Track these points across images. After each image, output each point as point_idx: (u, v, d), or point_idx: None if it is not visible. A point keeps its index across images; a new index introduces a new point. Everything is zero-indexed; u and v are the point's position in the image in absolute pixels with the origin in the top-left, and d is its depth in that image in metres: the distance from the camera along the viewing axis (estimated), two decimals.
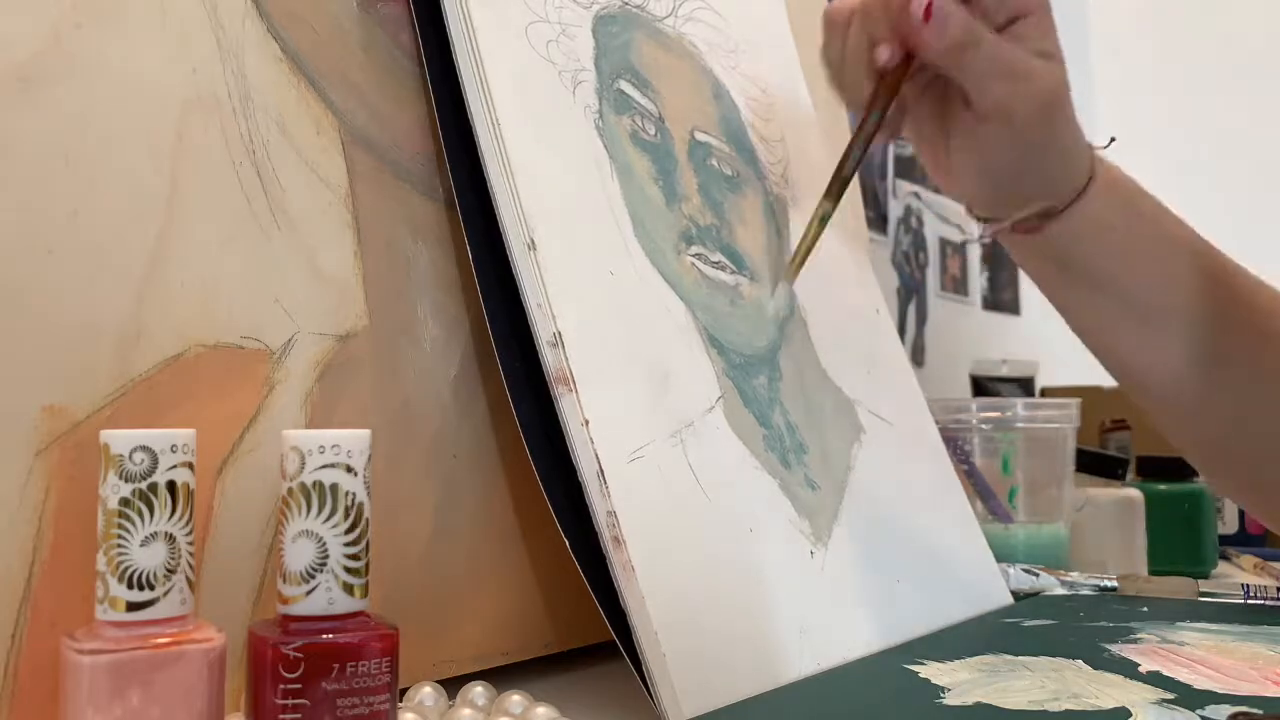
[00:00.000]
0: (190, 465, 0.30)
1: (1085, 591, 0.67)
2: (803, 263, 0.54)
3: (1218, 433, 0.57)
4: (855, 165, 0.53)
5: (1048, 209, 0.53)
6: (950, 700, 0.40)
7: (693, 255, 0.51)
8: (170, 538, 0.29)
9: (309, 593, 0.30)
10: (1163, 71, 1.93)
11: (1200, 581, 0.67)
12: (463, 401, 0.45)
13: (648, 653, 0.39)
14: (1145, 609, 0.60)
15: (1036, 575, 0.67)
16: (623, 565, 0.39)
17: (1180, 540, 0.81)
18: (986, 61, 0.49)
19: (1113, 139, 0.56)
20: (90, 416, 0.33)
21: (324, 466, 0.30)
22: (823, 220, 0.52)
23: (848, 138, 0.68)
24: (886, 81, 0.51)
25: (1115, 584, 0.67)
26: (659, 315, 0.47)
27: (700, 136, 0.55)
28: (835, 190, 0.52)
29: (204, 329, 0.37)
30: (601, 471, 0.40)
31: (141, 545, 0.29)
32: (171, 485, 0.29)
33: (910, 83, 0.52)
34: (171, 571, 0.29)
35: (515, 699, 0.38)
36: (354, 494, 0.31)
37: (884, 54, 0.50)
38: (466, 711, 0.38)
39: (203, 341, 0.36)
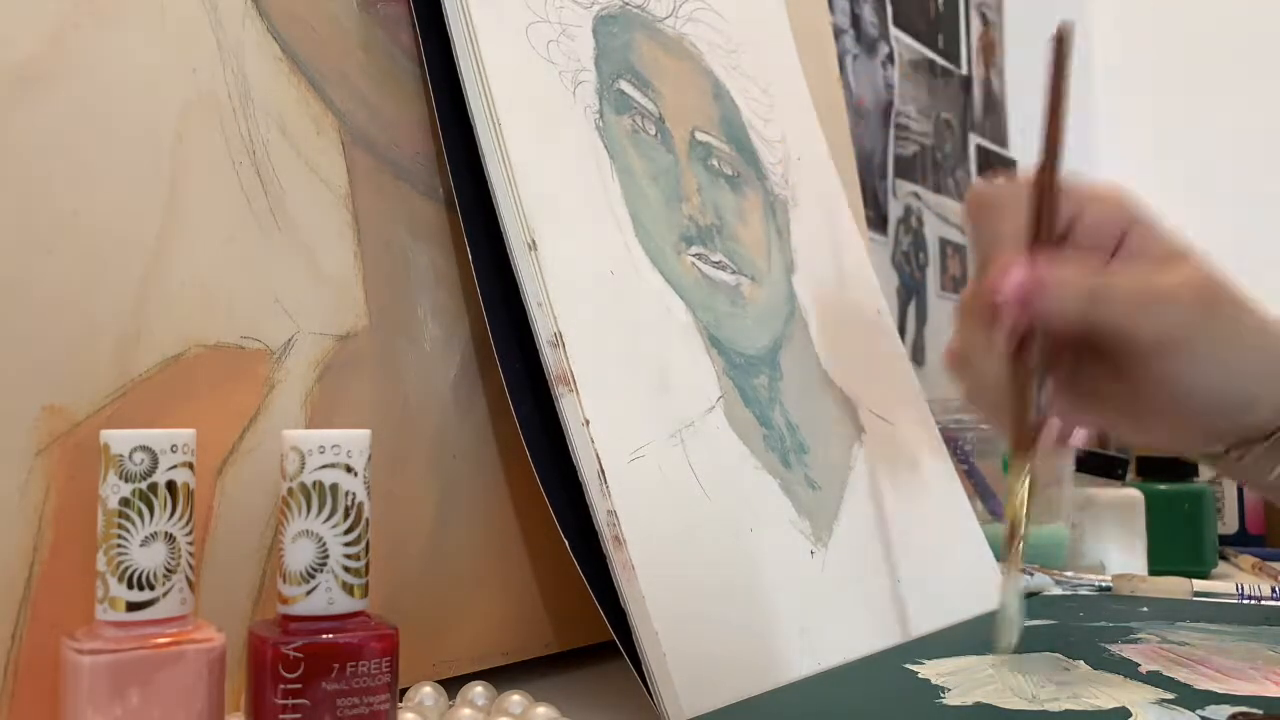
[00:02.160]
0: (190, 465, 0.30)
1: (1082, 591, 0.67)
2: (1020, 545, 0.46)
3: None
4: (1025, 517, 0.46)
5: (1248, 439, 0.45)
6: (950, 700, 0.40)
7: (693, 255, 0.51)
8: (170, 538, 0.29)
9: (309, 593, 0.30)
10: (1163, 71, 1.93)
11: (1196, 581, 0.67)
12: (463, 401, 0.45)
13: (648, 652, 0.39)
14: (1145, 609, 0.60)
15: (1031, 575, 0.67)
16: (623, 565, 0.39)
17: (1180, 540, 0.81)
18: (1122, 302, 0.42)
19: None
20: (90, 416, 0.33)
21: (324, 466, 0.30)
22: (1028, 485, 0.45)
23: (847, 138, 0.68)
24: (1022, 359, 0.44)
25: (1110, 584, 0.67)
26: (659, 315, 0.47)
27: (701, 136, 0.55)
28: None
29: (204, 329, 0.37)
30: (602, 471, 0.40)
31: (141, 545, 0.29)
32: (171, 485, 0.29)
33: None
34: (171, 571, 0.29)
35: (515, 699, 0.38)
36: (354, 494, 0.31)
37: (1005, 336, 0.43)
38: (466, 711, 0.38)
39: (203, 341, 0.36)
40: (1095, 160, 1.81)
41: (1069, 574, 0.68)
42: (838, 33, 1.16)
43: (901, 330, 1.28)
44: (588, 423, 0.41)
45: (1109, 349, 0.43)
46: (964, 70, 1.51)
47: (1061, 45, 0.45)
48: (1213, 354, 0.43)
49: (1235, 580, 0.72)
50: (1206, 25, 1.87)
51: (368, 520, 0.31)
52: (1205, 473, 0.87)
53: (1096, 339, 0.43)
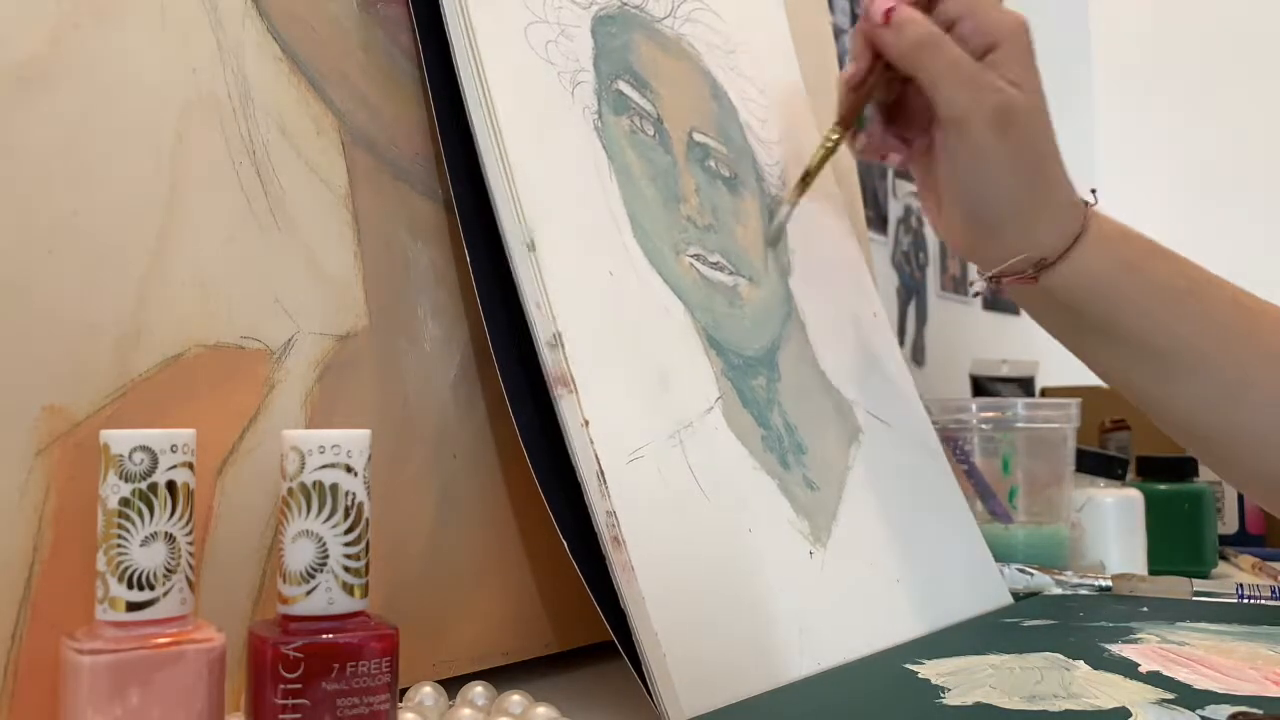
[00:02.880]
0: (190, 465, 0.30)
1: (1082, 591, 0.67)
2: (806, 187, 0.57)
3: (1264, 461, 0.57)
4: (817, 167, 0.58)
5: (1038, 260, 0.54)
6: (950, 700, 0.40)
7: (691, 256, 0.51)
8: (170, 538, 0.29)
9: (309, 593, 0.30)
10: (1162, 71, 1.93)
11: (1196, 581, 0.67)
12: (463, 401, 0.45)
13: (647, 653, 0.39)
14: (1145, 609, 0.60)
15: (1031, 575, 0.67)
16: (622, 566, 0.39)
17: (1180, 540, 0.81)
18: (946, 65, 0.52)
19: (1094, 191, 0.57)
20: (90, 416, 0.33)
21: (324, 466, 0.30)
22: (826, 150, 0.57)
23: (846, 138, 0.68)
24: (857, 92, 0.56)
25: (1110, 584, 0.67)
26: (658, 316, 0.47)
27: (698, 137, 0.55)
28: (812, 171, 0.58)
29: (204, 329, 0.37)
30: (601, 472, 0.40)
31: (141, 545, 0.29)
32: (171, 485, 0.29)
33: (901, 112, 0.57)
34: (171, 571, 0.29)
35: (515, 699, 0.38)
36: (354, 494, 0.31)
37: (849, 67, 0.55)
38: (466, 711, 0.38)
39: (203, 341, 0.36)
40: (1094, 157, 1.81)
41: (1069, 574, 0.68)
42: (838, 33, 1.15)
43: (901, 330, 1.28)
44: (586, 424, 0.41)
45: (921, 103, 0.55)
46: None
47: None
48: (993, 157, 0.52)
49: (1234, 580, 0.72)
50: (1206, 23, 1.87)
51: (368, 520, 0.31)
52: (1205, 473, 0.87)
53: (915, 85, 0.54)
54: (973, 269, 0.60)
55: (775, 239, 0.58)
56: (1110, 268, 0.55)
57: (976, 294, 0.60)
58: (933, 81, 0.52)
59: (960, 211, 0.55)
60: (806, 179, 0.58)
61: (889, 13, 0.52)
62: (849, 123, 0.57)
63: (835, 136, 0.57)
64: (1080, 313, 0.56)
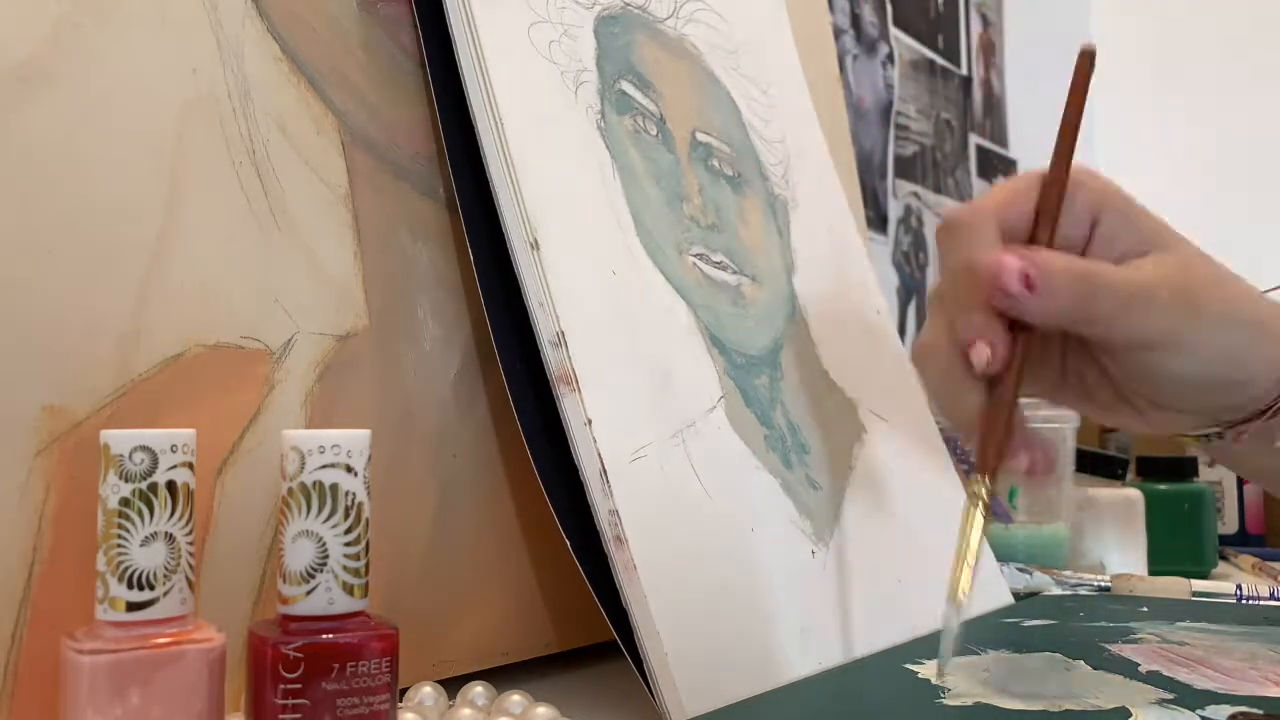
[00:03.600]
0: (190, 465, 0.30)
1: (1081, 591, 0.67)
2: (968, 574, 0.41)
3: None
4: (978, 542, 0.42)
5: (1252, 415, 0.44)
6: (950, 700, 0.40)
7: (694, 255, 0.51)
8: (170, 538, 0.29)
9: (309, 593, 0.30)
10: (1163, 71, 1.93)
11: (1195, 581, 0.67)
12: (463, 401, 0.45)
13: (650, 652, 0.39)
14: (1145, 609, 0.60)
15: (1030, 574, 0.67)
16: (625, 564, 0.39)
17: (1180, 540, 0.81)
18: (1107, 300, 0.40)
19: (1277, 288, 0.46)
20: (90, 416, 0.33)
21: (324, 466, 0.30)
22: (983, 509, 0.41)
23: (847, 138, 0.68)
24: (1003, 379, 0.41)
25: (1109, 583, 0.67)
26: (661, 315, 0.47)
27: (701, 137, 0.55)
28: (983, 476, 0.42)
29: (204, 329, 0.37)
30: (604, 471, 0.40)
31: (141, 545, 0.29)
32: (171, 485, 0.29)
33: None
34: (171, 571, 0.29)
35: (515, 699, 0.38)
36: (354, 494, 0.31)
37: (982, 353, 0.41)
38: (466, 711, 0.38)
39: (203, 341, 0.36)
40: (1093, 154, 1.81)
41: (1068, 574, 0.68)
42: (838, 33, 1.16)
43: (901, 330, 1.28)
44: (590, 422, 0.41)
45: (1093, 343, 0.43)
46: (964, 70, 1.51)
47: (1086, 63, 0.45)
48: (1199, 344, 0.42)
49: (1234, 580, 0.72)
50: (1206, 21, 1.87)
51: (368, 520, 0.31)
52: (1205, 473, 0.87)
53: (1082, 333, 0.42)
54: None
55: (946, 655, 0.40)
56: None
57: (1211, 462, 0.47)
58: (1102, 325, 0.41)
59: (1178, 409, 0.44)
60: (968, 559, 0.41)
61: (1029, 279, 0.40)
62: (997, 462, 0.41)
63: (984, 490, 0.41)
64: None
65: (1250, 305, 0.44)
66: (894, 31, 1.31)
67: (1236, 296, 0.43)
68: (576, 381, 0.41)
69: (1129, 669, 0.45)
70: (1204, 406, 0.44)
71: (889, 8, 1.29)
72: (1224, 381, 0.43)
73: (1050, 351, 0.46)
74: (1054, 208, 0.43)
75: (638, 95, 0.52)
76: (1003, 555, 0.66)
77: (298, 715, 0.29)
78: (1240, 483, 0.95)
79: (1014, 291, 0.40)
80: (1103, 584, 0.67)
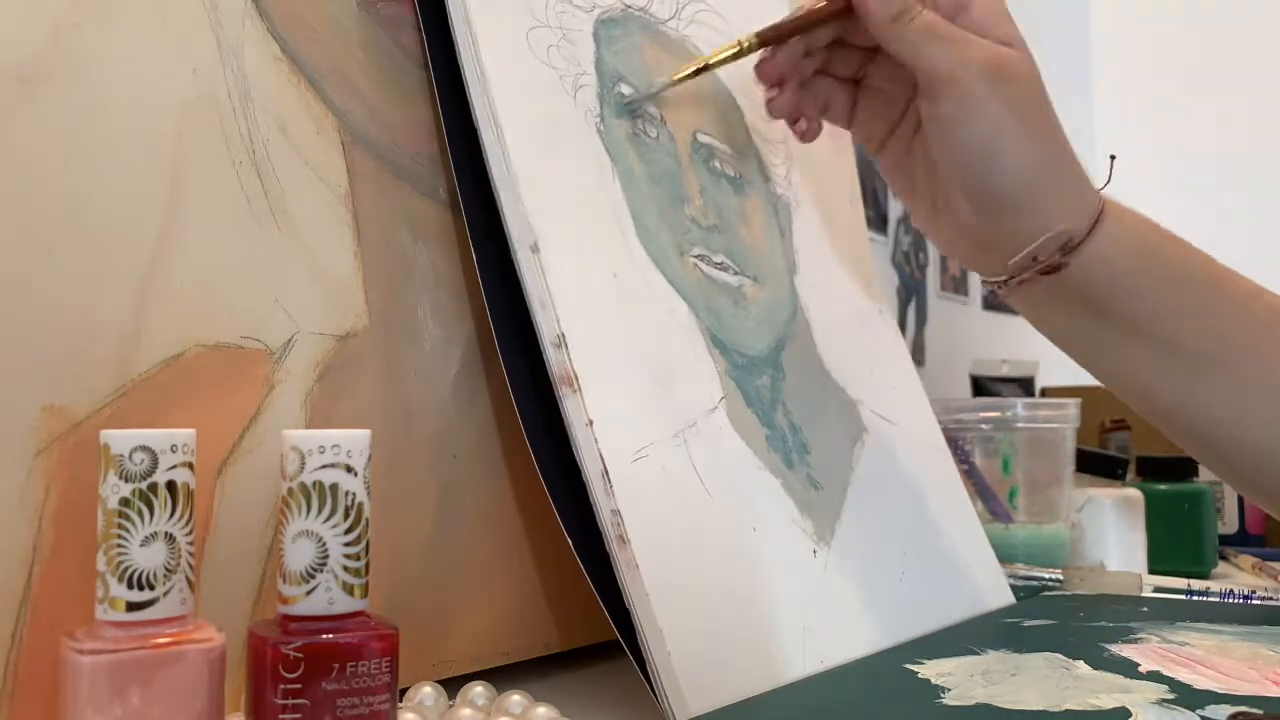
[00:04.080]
0: (190, 465, 0.30)
1: (1033, 584, 0.67)
2: (693, 74, 0.52)
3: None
4: (715, 63, 0.52)
5: (1064, 239, 0.48)
6: (950, 700, 0.40)
7: (695, 256, 0.51)
8: (170, 538, 0.29)
9: (309, 593, 0.30)
10: (1163, 69, 1.93)
11: (1146, 577, 0.67)
12: (463, 401, 0.45)
13: (653, 651, 0.39)
14: (1145, 609, 0.60)
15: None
16: (627, 564, 0.39)
17: (1180, 540, 0.81)
18: (923, 26, 0.48)
19: (1113, 157, 0.52)
20: (90, 416, 0.33)
21: (324, 466, 0.30)
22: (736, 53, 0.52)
23: (848, 138, 0.68)
24: (807, 16, 0.51)
25: (1060, 578, 0.67)
26: (662, 316, 0.47)
27: (702, 138, 0.55)
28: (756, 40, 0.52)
29: (204, 329, 0.37)
30: (606, 471, 0.40)
31: (141, 545, 0.29)
32: (171, 485, 0.29)
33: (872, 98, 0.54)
34: (171, 571, 0.29)
35: (515, 699, 0.38)
36: (354, 494, 0.31)
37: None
38: (466, 711, 0.38)
39: (203, 341, 0.36)
40: (1094, 154, 1.81)
41: (1019, 567, 0.68)
42: None
43: (902, 330, 1.28)
44: (591, 423, 0.41)
45: (898, 81, 0.51)
46: None
47: None
48: (991, 118, 0.47)
49: (1232, 580, 0.72)
50: (1206, 22, 1.87)
51: (368, 520, 0.31)
52: (1205, 473, 0.87)
53: (894, 62, 0.49)
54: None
55: (636, 100, 0.51)
56: (1134, 254, 0.49)
57: (992, 291, 0.54)
58: (913, 48, 0.48)
59: (965, 196, 0.49)
60: (698, 72, 0.52)
61: None
62: (772, 40, 0.51)
63: (748, 43, 0.52)
64: (1098, 308, 0.50)
65: (1053, 145, 0.49)
66: None
67: (1043, 124, 0.49)
68: (578, 382, 0.41)
69: (1129, 669, 0.45)
70: (973, 209, 0.49)
71: None
72: (993, 185, 0.48)
73: (890, 109, 0.53)
74: None
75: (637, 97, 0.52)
76: (1003, 555, 0.66)
77: (298, 715, 0.29)
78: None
79: None
80: (1055, 578, 0.67)
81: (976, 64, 0.47)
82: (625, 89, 0.51)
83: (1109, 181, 0.52)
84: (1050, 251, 0.49)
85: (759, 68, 0.53)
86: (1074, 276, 0.49)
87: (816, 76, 0.54)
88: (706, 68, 0.52)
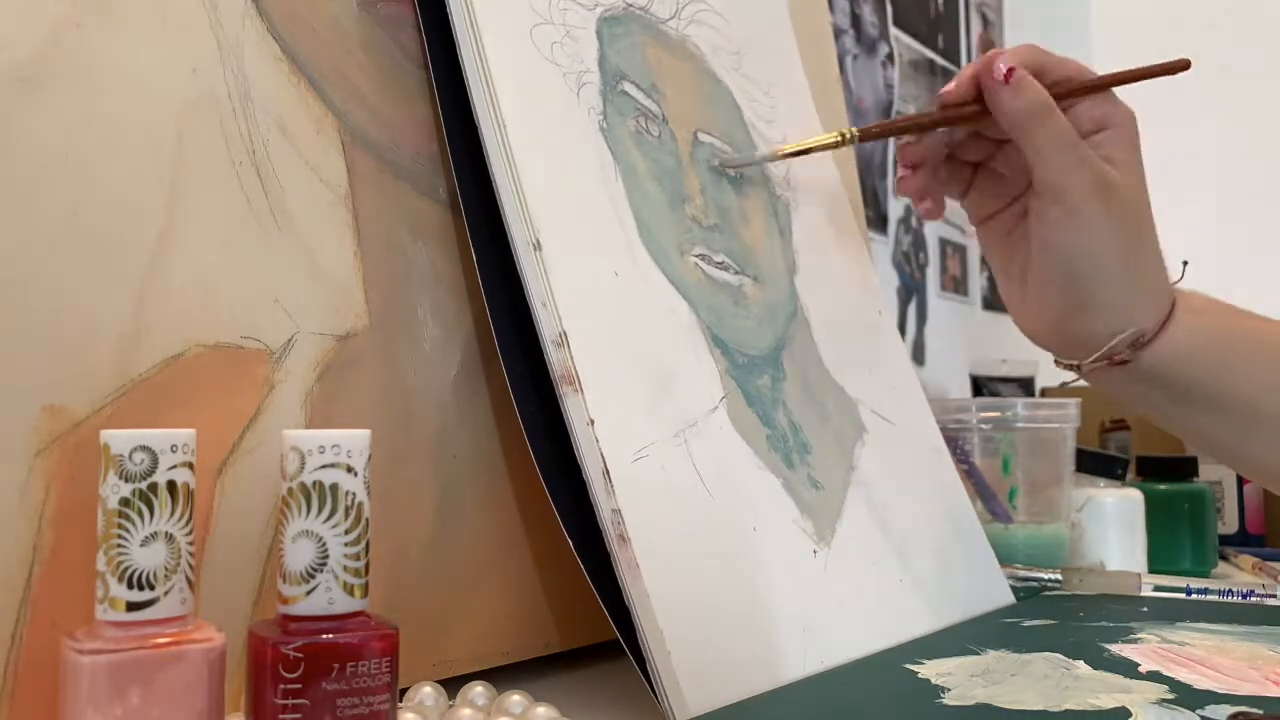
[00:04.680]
0: (190, 465, 0.30)
1: (1032, 584, 0.67)
2: (794, 155, 0.57)
3: None
4: (818, 146, 0.57)
5: (1136, 336, 0.52)
6: (950, 700, 0.40)
7: (696, 256, 0.51)
8: (170, 538, 0.29)
9: (309, 593, 0.30)
10: (1162, 84, 1.93)
11: (1146, 576, 0.67)
12: (463, 401, 0.45)
13: (653, 651, 0.39)
14: (1145, 609, 0.60)
15: None
16: (627, 563, 0.39)
17: (1180, 540, 0.81)
18: (1053, 134, 0.51)
19: (1185, 263, 0.56)
20: (90, 416, 0.33)
21: (324, 466, 0.30)
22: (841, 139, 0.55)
23: None
24: (946, 112, 0.54)
25: (1060, 577, 0.67)
26: (663, 315, 0.47)
27: (703, 138, 0.55)
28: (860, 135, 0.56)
29: (204, 329, 0.37)
30: (606, 471, 0.40)
31: (141, 545, 0.29)
32: (171, 485, 0.29)
33: (985, 180, 0.57)
34: (171, 571, 0.29)
35: (515, 699, 0.38)
36: (354, 494, 0.31)
37: (951, 85, 0.54)
38: (466, 711, 0.38)
39: (203, 341, 0.36)
40: None
41: (1019, 568, 0.68)
42: (838, 33, 1.16)
43: (902, 330, 1.28)
44: (592, 422, 0.41)
45: (1018, 169, 0.55)
46: None
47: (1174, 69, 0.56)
48: (1092, 228, 0.51)
49: (1232, 580, 0.72)
50: (1207, 22, 1.87)
51: (368, 520, 0.31)
52: (1205, 473, 0.87)
53: (1016, 152, 0.53)
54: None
55: (734, 165, 0.56)
56: (1204, 340, 0.53)
57: (1066, 384, 0.58)
58: (1037, 149, 0.51)
59: (1054, 288, 0.53)
60: (800, 153, 0.57)
61: (1011, 73, 0.51)
62: (877, 136, 0.55)
63: (853, 133, 0.55)
64: (1176, 387, 0.54)
65: (1143, 258, 0.53)
66: (894, 31, 1.31)
67: (1139, 243, 0.52)
68: (579, 381, 0.41)
69: (1129, 669, 0.45)
70: (1056, 303, 0.53)
71: (889, 8, 1.29)
72: (1082, 289, 0.52)
73: (1005, 191, 0.57)
74: (1076, 87, 0.53)
75: (640, 96, 0.52)
76: (1002, 556, 0.66)
77: (298, 715, 0.29)
78: (1240, 483, 0.95)
79: (995, 77, 0.52)
80: (1053, 578, 0.67)
81: (1089, 182, 0.51)
82: (627, 87, 0.51)
83: (1181, 278, 0.55)
84: (1123, 347, 0.53)
85: (902, 150, 0.57)
86: (1145, 363, 0.53)
87: (946, 159, 0.58)
88: (808, 151, 0.57)
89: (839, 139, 0.55)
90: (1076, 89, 0.53)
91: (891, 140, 1.29)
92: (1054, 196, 0.51)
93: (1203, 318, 0.54)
